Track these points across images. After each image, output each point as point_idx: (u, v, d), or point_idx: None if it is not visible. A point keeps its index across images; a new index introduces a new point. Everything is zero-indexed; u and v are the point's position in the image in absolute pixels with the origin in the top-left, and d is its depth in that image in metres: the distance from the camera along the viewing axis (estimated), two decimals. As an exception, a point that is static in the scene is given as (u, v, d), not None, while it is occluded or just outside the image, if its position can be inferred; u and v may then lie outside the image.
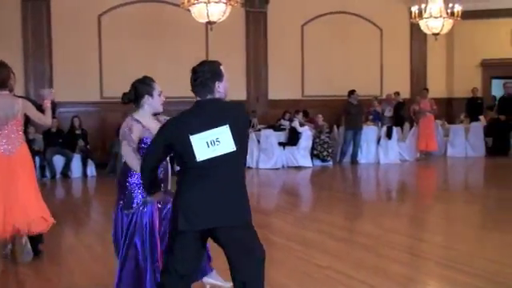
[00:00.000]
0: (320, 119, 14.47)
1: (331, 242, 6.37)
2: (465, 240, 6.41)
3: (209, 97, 3.45)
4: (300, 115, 14.08)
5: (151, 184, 3.71)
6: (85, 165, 12.51)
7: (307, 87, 16.47)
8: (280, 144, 13.74)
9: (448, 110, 17.72)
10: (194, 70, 3.48)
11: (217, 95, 3.47)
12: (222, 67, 3.57)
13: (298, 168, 13.47)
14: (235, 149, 3.33)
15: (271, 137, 13.60)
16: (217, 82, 3.47)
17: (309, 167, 13.60)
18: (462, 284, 4.75)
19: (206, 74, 3.45)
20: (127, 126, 4.06)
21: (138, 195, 4.04)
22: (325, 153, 13.95)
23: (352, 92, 14.50)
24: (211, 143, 3.30)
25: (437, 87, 17.48)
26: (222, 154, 3.31)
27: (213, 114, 3.38)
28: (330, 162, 14.06)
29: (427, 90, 15.99)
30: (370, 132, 14.54)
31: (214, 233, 3.38)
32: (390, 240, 6.28)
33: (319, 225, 7.32)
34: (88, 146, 12.80)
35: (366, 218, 8.03)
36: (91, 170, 12.59)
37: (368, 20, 17.33)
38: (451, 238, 6.71)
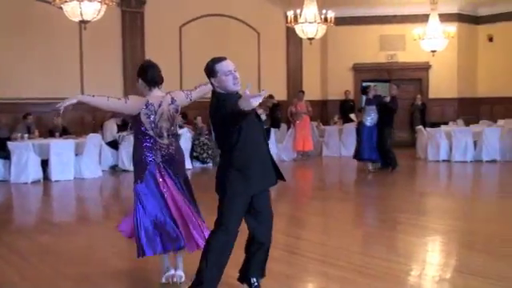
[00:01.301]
0: (199, 121, 14.50)
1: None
2: (338, 236, 6.71)
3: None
4: (179, 117, 14.00)
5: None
6: None
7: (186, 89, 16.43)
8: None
9: (323, 112, 18.44)
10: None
11: (217, 90, 4.17)
12: (217, 64, 4.24)
13: (178, 170, 13.39)
14: None
15: (150, 139, 13.40)
16: (212, 79, 4.20)
17: (189, 169, 13.57)
18: (334, 277, 4.97)
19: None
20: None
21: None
22: (204, 154, 14.01)
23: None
24: None
25: (312, 90, 18.14)
26: None
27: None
28: (210, 164, 14.14)
29: (303, 92, 16.52)
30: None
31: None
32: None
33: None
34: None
35: (245, 218, 8.15)
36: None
37: (245, 23, 17.64)
38: (325, 234, 6.99)
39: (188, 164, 13.68)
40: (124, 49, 15.59)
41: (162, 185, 4.71)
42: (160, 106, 4.79)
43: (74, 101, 4.58)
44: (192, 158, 13.92)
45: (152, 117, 4.71)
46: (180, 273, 4.85)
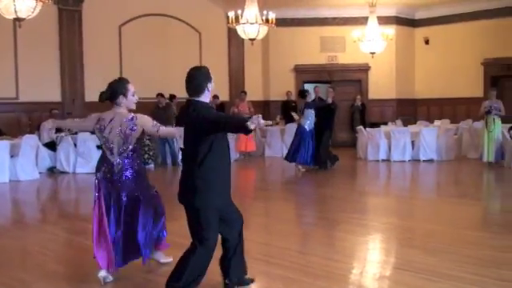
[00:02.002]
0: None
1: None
2: (281, 236, 6.74)
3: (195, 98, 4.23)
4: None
5: None
6: None
7: (126, 89, 16.22)
8: (98, 147, 13.32)
9: (265, 112, 18.53)
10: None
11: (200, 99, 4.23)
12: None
13: (118, 172, 13.17)
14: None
15: (89, 140, 13.14)
16: (209, 84, 4.28)
17: (129, 171, 13.37)
18: (277, 277, 4.99)
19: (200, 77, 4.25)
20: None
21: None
22: (146, 156, 13.82)
23: (162, 95, 14.51)
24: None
25: (254, 90, 18.23)
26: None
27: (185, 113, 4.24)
28: (152, 165, 13.97)
29: (245, 92, 16.57)
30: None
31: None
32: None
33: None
34: None
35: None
36: None
37: (186, 23, 17.55)
38: (269, 234, 7.02)
39: (129, 165, 13.46)
40: (61, 48, 15.23)
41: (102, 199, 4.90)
42: (111, 121, 4.93)
43: (49, 126, 5.01)
44: (133, 159, 13.70)
45: (104, 131, 4.92)
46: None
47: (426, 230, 6.86)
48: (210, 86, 4.28)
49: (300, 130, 12.81)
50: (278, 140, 16.60)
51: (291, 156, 12.91)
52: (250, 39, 14.18)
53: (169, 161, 14.53)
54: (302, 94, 13.17)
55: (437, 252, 5.74)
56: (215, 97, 16.39)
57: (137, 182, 5.00)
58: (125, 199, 4.92)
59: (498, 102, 13.21)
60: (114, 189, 4.88)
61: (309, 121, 12.66)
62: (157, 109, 14.49)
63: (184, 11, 17.38)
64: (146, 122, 5.07)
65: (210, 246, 4.19)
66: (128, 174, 4.94)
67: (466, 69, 18.66)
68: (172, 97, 14.73)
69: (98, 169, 4.95)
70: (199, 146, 4.11)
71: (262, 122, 4.01)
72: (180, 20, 17.43)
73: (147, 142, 13.98)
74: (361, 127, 16.09)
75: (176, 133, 5.24)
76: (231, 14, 13.81)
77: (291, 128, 16.30)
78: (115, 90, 4.97)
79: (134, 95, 5.05)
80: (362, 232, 6.84)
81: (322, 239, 6.48)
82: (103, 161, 4.93)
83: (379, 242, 6.54)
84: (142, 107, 16.51)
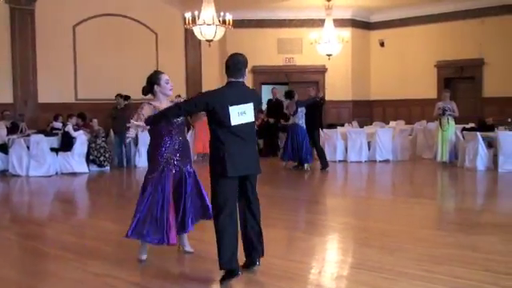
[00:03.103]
0: (95, 123, 14.12)
1: (109, 248, 6.25)
2: (239, 238, 6.72)
3: (240, 80, 4.87)
4: (74, 119, 13.58)
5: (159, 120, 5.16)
6: None
7: (81, 90, 15.99)
8: (52, 150, 13.09)
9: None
10: (233, 58, 4.91)
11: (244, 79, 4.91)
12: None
13: (74, 174, 12.98)
14: (253, 120, 4.84)
15: (42, 142, 12.89)
16: (246, 69, 4.91)
17: (85, 173, 13.20)
18: (238, 279, 4.97)
19: (240, 62, 4.87)
20: (140, 107, 5.42)
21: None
22: (101, 158, 13.65)
23: (121, 96, 14.37)
24: (240, 114, 4.73)
25: (211, 92, 18.15)
26: (246, 122, 4.76)
27: (244, 93, 4.85)
28: (108, 167, 13.80)
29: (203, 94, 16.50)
30: (147, 135, 14.53)
31: (246, 177, 4.86)
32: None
33: (97, 232, 7.14)
34: None
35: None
36: None
37: (143, 24, 17.40)
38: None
39: (84, 168, 13.29)
40: (13, 48, 14.93)
41: None
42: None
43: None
44: (88, 161, 13.50)
45: None
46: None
47: (382, 230, 6.97)
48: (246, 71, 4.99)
49: (297, 129, 12.91)
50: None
51: (296, 156, 13.02)
52: (207, 40, 14.12)
53: (124, 162, 14.37)
54: (290, 94, 13.20)
55: (393, 251, 5.84)
56: (179, 96, 16.21)
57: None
58: None
59: (451, 103, 13.53)
60: None
61: (303, 119, 12.83)
62: (115, 110, 14.34)
63: (140, 12, 17.23)
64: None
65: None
66: None
67: (420, 71, 19.06)
68: (126, 98, 14.52)
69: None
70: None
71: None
72: (136, 21, 17.27)
73: (103, 143, 13.80)
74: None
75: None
76: (188, 15, 13.71)
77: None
78: (149, 82, 5.56)
79: (167, 82, 5.53)
80: (320, 232, 6.91)
81: (281, 240, 6.51)
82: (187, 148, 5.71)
83: (337, 242, 6.62)
84: (98, 109, 16.36)
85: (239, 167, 4.74)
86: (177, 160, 5.51)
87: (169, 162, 5.47)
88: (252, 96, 4.90)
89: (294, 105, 12.91)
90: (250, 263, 5.10)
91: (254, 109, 4.83)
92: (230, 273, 4.75)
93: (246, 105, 4.75)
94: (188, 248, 5.83)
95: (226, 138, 4.72)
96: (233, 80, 4.87)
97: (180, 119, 5.44)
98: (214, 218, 4.83)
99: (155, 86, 5.50)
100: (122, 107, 14.30)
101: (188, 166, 5.65)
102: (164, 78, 5.52)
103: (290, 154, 13.04)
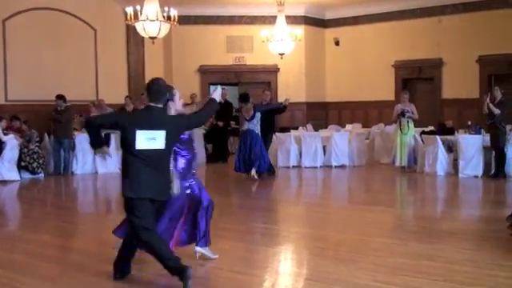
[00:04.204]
0: (28, 127, 13.85)
1: (41, 263, 6.12)
2: (185, 250, 6.69)
3: (159, 105, 5.13)
4: (3, 122, 13.25)
5: (96, 139, 5.44)
6: None
7: (12, 90, 15.62)
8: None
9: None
10: (156, 84, 5.19)
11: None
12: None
13: (3, 182, 12.68)
14: (164, 148, 5.03)
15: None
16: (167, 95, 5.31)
17: (16, 181, 12.91)
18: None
19: (162, 87, 5.19)
20: None
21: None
22: (35, 164, 13.37)
23: (60, 97, 14.12)
24: (149, 139, 4.96)
25: (156, 92, 18.01)
26: (155, 148, 4.98)
27: (158, 119, 5.06)
28: (42, 175, 13.54)
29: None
30: (85, 140, 14.35)
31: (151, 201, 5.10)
32: (110, 255, 6.25)
33: (27, 245, 6.99)
34: None
35: (83, 234, 7.90)
36: None
37: (80, 19, 17.13)
38: (177, 249, 6.95)
39: (15, 175, 12.99)
40: None
41: None
42: None
43: None
44: (20, 168, 13.19)
45: None
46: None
47: (337, 239, 7.06)
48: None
49: (253, 135, 12.57)
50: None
51: (252, 165, 12.54)
52: (151, 37, 14.00)
53: (61, 169, 14.11)
54: (246, 98, 12.83)
55: (348, 261, 5.91)
56: (128, 97, 15.97)
57: None
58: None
59: (410, 105, 13.77)
60: None
61: (258, 124, 12.59)
62: (55, 112, 14.06)
63: (77, 6, 16.96)
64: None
65: None
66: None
67: (377, 71, 19.37)
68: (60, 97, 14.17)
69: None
70: None
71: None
72: (73, 15, 16.98)
73: (36, 149, 13.54)
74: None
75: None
76: (129, 10, 13.56)
77: (197, 133, 16.26)
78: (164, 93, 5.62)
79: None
80: (272, 242, 6.93)
81: (232, 252, 6.50)
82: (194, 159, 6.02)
83: (290, 252, 6.66)
84: (31, 110, 15.98)
85: (137, 190, 5.00)
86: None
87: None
88: (168, 123, 5.11)
89: (252, 109, 12.65)
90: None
91: (170, 137, 5.06)
92: (182, 271, 4.91)
93: (156, 131, 4.98)
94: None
95: (131, 160, 5.03)
96: (152, 105, 5.12)
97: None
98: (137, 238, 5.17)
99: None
100: (63, 109, 14.06)
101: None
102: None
103: (242, 165, 12.67)
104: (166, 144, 5.04)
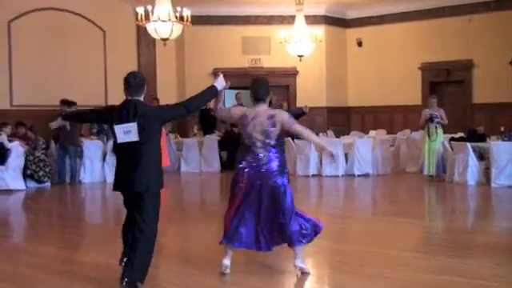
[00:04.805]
0: (34, 133, 13.98)
1: (47, 277, 6.17)
2: (199, 265, 6.71)
3: (136, 98, 5.45)
4: (8, 128, 13.40)
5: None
6: None
7: (17, 95, 15.77)
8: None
9: (180, 123, 18.44)
10: (133, 75, 5.58)
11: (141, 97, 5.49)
12: None
13: (8, 192, 12.79)
14: (137, 139, 5.25)
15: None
16: (144, 87, 5.56)
17: (22, 190, 13.02)
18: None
19: (141, 80, 5.53)
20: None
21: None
22: (41, 172, 13.48)
23: (65, 102, 14.20)
24: (126, 133, 5.26)
25: (168, 97, 18.04)
26: (130, 141, 5.26)
27: (132, 111, 5.30)
28: (48, 183, 13.64)
29: (157, 99, 16.46)
30: (93, 147, 14.47)
31: (134, 198, 5.40)
32: (119, 268, 6.29)
33: (32, 258, 7.04)
34: None
35: (90, 246, 7.94)
36: None
37: (89, 20, 17.27)
38: (185, 262, 6.98)
39: (20, 184, 13.09)
40: None
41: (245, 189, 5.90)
42: (253, 119, 5.88)
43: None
44: (25, 176, 13.30)
45: (247, 128, 5.88)
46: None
47: (360, 253, 7.02)
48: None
49: None
50: (196, 154, 16.56)
51: None
52: (163, 39, 14.10)
53: (67, 178, 14.19)
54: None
55: (370, 277, 5.89)
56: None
57: (281, 174, 5.94)
58: (267, 189, 5.87)
59: (439, 110, 13.65)
60: (258, 178, 5.86)
61: None
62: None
63: (85, 6, 17.11)
64: (284, 117, 5.97)
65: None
66: (273, 165, 5.88)
67: (402, 74, 19.30)
68: (71, 104, 14.29)
69: (241, 158, 5.98)
70: None
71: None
72: (81, 16, 17.14)
73: (42, 156, 13.64)
74: (289, 139, 16.25)
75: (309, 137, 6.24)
76: (140, 10, 13.69)
77: (210, 140, 16.35)
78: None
79: None
80: (290, 256, 6.91)
81: (246, 266, 6.50)
82: (248, 152, 5.93)
83: (309, 267, 6.63)
84: (37, 116, 16.07)
85: (119, 183, 5.47)
86: None
87: None
88: (142, 115, 5.32)
89: None
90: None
91: (144, 129, 5.28)
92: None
93: (129, 124, 5.27)
94: None
95: (117, 153, 5.58)
96: (128, 98, 5.48)
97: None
98: None
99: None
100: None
101: None
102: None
103: None
104: (141, 136, 5.26)
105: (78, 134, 14.47)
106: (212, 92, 5.74)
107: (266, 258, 6.46)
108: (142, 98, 5.50)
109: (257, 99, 6.02)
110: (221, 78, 5.84)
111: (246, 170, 5.89)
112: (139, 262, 5.30)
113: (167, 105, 6.14)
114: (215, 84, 5.75)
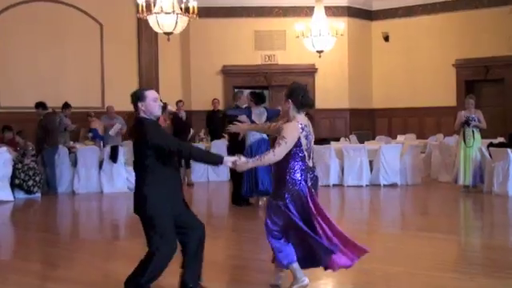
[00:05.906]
0: (21, 138, 14.03)
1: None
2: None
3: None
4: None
5: None
6: None
7: (4, 96, 15.86)
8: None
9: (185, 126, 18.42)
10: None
11: (141, 113, 5.73)
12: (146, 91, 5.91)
13: (-6, 204, 12.85)
14: (134, 160, 5.65)
15: None
16: (139, 103, 5.75)
17: (9, 201, 13.05)
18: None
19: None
20: None
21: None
22: (30, 182, 13.51)
23: (39, 105, 14.16)
24: None
25: (172, 97, 18.10)
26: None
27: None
28: (38, 194, 13.66)
29: (161, 101, 16.46)
30: (88, 154, 14.48)
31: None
32: (109, 283, 6.29)
33: (22, 277, 7.05)
34: None
35: (86, 264, 7.94)
36: None
37: (85, 12, 17.35)
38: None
39: (7, 195, 13.11)
40: None
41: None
42: (306, 127, 6.02)
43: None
44: (13, 186, 13.31)
45: (309, 137, 6.06)
46: None
47: (386, 273, 6.99)
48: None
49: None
50: (203, 162, 16.51)
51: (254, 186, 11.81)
52: (166, 33, 14.13)
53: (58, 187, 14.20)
54: (261, 98, 12.32)
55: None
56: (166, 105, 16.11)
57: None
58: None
59: (477, 112, 13.45)
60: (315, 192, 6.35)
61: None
62: (38, 123, 14.15)
63: (80, -3, 17.22)
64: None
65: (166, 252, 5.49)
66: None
67: (434, 72, 19.25)
68: (44, 107, 14.18)
69: (304, 177, 6.21)
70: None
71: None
72: (76, 8, 17.22)
73: (32, 164, 13.65)
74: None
75: None
76: (141, 1, 13.73)
77: (218, 146, 16.32)
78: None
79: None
80: (310, 276, 6.88)
81: (261, 285, 6.49)
82: (307, 168, 6.19)
83: (331, 288, 6.62)
84: (28, 119, 16.08)
85: None
86: None
87: None
88: (139, 137, 5.72)
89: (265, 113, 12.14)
90: None
91: (137, 150, 5.65)
92: None
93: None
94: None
95: None
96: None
97: None
98: None
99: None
100: (41, 118, 14.08)
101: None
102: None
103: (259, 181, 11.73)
104: (135, 157, 5.62)
105: (54, 136, 14.10)
106: (215, 160, 5.88)
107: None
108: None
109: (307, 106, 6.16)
110: (243, 162, 5.83)
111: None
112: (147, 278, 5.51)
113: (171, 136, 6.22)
114: (227, 160, 5.78)
